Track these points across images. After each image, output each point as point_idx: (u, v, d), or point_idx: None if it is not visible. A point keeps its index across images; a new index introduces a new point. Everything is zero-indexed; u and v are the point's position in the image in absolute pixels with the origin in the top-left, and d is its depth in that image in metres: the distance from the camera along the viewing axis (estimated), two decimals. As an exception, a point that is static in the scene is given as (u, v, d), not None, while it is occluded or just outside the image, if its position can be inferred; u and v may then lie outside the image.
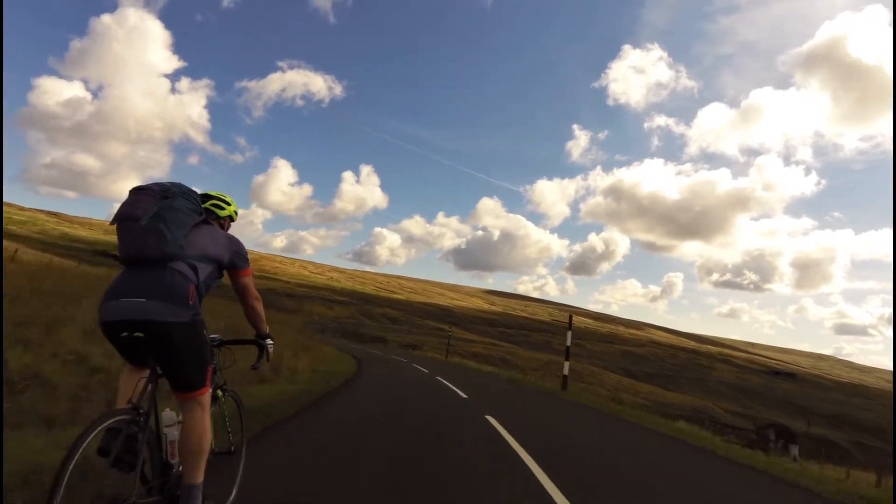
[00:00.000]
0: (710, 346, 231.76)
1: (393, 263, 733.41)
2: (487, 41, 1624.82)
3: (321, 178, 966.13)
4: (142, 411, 2.36)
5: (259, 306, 3.03)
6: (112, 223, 2.55)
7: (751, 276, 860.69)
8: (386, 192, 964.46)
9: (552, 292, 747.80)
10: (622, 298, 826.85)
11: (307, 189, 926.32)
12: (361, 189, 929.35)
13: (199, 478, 2.54)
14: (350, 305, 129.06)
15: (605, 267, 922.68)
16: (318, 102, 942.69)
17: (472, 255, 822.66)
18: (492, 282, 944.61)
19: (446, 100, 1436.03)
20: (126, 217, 2.49)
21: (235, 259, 2.86)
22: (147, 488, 2.44)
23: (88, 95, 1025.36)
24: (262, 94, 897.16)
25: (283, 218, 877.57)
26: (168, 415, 2.71)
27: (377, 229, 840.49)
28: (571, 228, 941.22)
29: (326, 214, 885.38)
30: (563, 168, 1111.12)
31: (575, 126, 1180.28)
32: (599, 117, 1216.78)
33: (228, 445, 3.28)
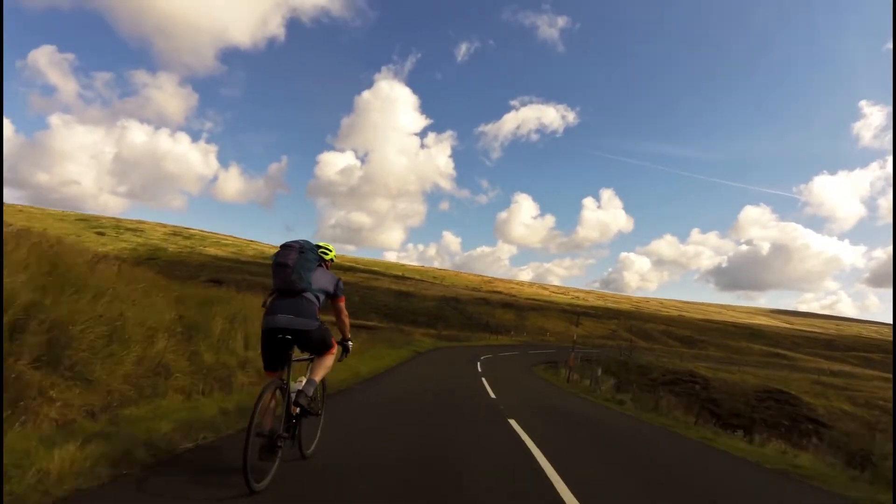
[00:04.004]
0: None
1: (644, 289, 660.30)
2: (736, 31, 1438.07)
3: (562, 208, 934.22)
4: (284, 381, 4.62)
5: (347, 321, 5.42)
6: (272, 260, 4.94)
7: None
8: (630, 215, 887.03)
9: (846, 310, 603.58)
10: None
11: (549, 220, 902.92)
12: (604, 214, 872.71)
13: (318, 378, 4.93)
14: (607, 320, 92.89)
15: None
16: (551, 133, 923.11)
17: (737, 274, 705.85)
18: (764, 302, 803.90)
19: (687, 108, 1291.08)
20: (280, 264, 4.72)
21: (337, 291, 5.12)
22: (284, 428, 4.55)
23: (358, 162, 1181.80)
24: (498, 136, 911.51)
25: (528, 251, 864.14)
26: (294, 385, 4.80)
27: (624, 254, 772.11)
28: (869, 230, 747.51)
29: (570, 243, 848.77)
30: (850, 157, 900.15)
31: (862, 103, 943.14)
32: None
33: (318, 410, 5.45)
